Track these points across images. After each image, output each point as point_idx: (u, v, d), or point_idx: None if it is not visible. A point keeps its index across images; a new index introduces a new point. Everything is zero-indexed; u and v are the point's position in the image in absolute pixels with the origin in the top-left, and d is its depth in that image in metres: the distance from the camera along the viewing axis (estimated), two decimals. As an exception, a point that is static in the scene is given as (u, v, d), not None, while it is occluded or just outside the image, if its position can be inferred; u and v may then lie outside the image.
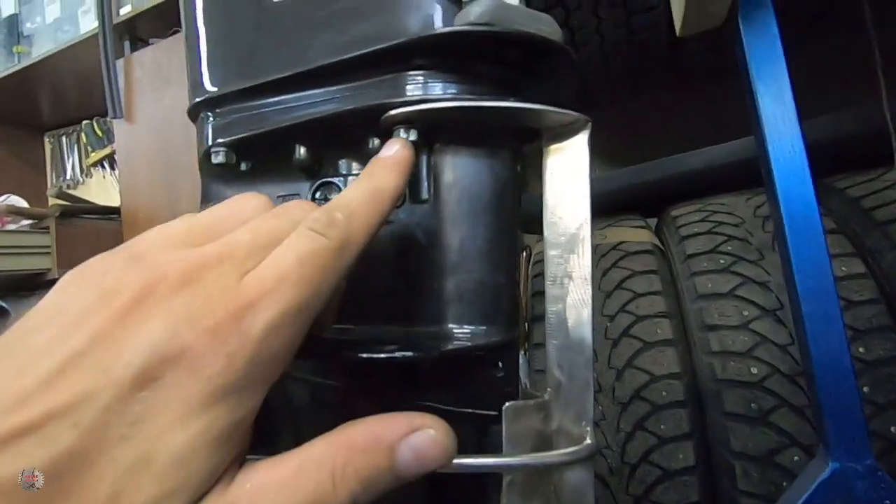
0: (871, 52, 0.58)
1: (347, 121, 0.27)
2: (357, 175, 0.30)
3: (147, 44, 1.69)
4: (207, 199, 0.35)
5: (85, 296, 0.16)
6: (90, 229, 1.66)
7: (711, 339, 0.71)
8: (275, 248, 0.18)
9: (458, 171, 0.27)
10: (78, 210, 1.65)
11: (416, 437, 0.18)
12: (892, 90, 0.61)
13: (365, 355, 0.24)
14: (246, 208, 0.21)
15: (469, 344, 0.26)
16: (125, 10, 1.69)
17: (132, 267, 0.17)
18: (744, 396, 0.67)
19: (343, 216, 0.19)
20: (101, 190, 2.34)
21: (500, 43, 0.24)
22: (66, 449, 0.14)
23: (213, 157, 0.31)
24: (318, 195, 0.30)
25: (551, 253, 0.27)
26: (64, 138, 2.52)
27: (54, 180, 2.56)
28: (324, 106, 0.28)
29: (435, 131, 0.26)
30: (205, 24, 0.32)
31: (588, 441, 0.26)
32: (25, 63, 1.84)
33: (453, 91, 0.25)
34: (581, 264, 0.26)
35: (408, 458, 0.18)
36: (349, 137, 0.28)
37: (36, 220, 1.58)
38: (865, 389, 0.62)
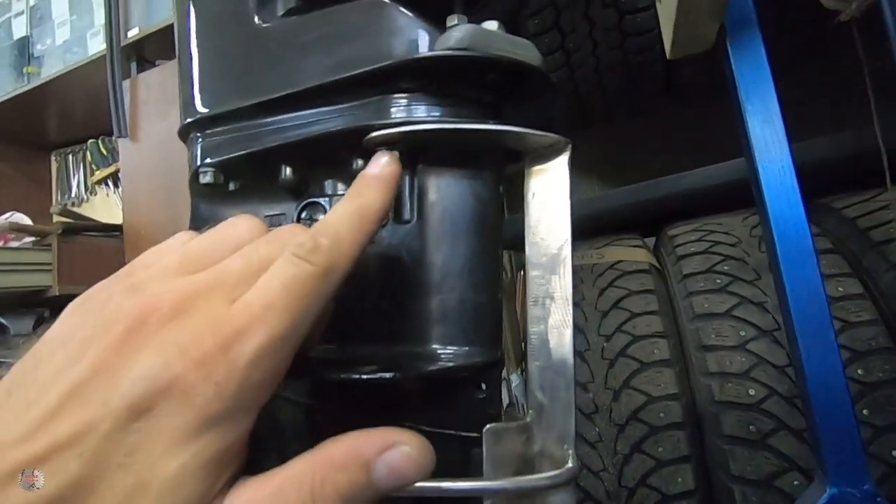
0: (863, 76, 0.59)
1: (332, 142, 0.27)
2: (342, 195, 0.30)
3: (153, 65, 1.72)
4: (196, 219, 0.35)
5: (88, 325, 0.18)
6: (92, 246, 1.67)
7: (709, 359, 0.70)
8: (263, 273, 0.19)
9: (441, 191, 0.27)
10: (80, 227, 1.67)
11: (391, 453, 0.19)
12: (883, 113, 0.61)
13: (344, 376, 0.24)
14: (240, 233, 0.22)
15: (451, 364, 0.26)
16: (133, 33, 1.73)
17: (130, 297, 0.18)
18: (742, 419, 0.66)
19: (328, 241, 0.20)
20: (105, 208, 2.36)
21: (479, 67, 0.24)
22: (71, 478, 0.15)
23: (201, 176, 0.32)
24: (303, 215, 0.31)
25: (533, 273, 0.27)
26: (70, 156, 2.56)
27: (59, 198, 2.59)
28: (310, 127, 0.28)
29: (417, 153, 0.26)
30: (197, 46, 0.33)
31: (570, 464, 0.25)
32: (35, 83, 1.88)
33: (436, 113, 0.25)
34: (562, 285, 0.26)
35: (384, 474, 0.18)
36: (334, 158, 0.29)
37: (38, 238, 1.59)
38: (865, 412, 0.61)
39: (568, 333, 0.26)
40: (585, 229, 1.06)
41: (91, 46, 1.89)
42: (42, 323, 1.62)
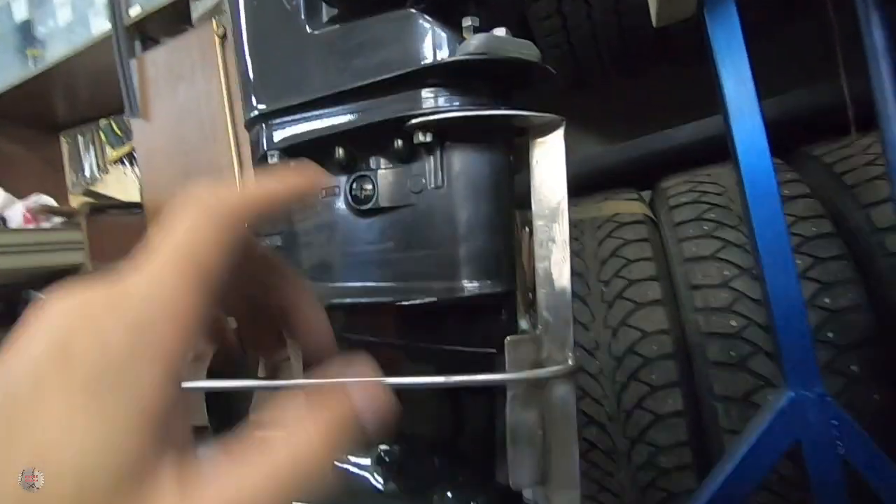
0: (833, 36, 0.64)
1: (377, 128, 0.35)
2: (385, 169, 0.38)
3: (157, 42, 1.75)
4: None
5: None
6: (117, 224, 1.76)
7: (696, 297, 0.79)
8: None
9: (464, 163, 0.35)
10: (105, 206, 1.75)
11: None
12: (850, 70, 0.67)
13: (406, 302, 0.33)
14: None
15: (478, 292, 0.35)
16: (134, 11, 1.76)
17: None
18: (724, 346, 0.75)
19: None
20: (120, 185, 2.43)
21: (493, 67, 0.31)
22: None
23: (269, 158, 0.39)
24: (354, 185, 0.39)
25: (538, 223, 0.35)
26: (80, 137, 2.61)
27: (73, 178, 2.66)
28: (358, 117, 0.36)
29: (445, 133, 0.34)
30: (256, 51, 0.40)
31: (570, 363, 0.34)
32: (41, 67, 1.92)
33: (458, 103, 0.33)
34: (561, 231, 0.34)
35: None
36: (378, 140, 0.36)
37: (66, 218, 1.68)
38: (830, 335, 0.70)
39: (566, 267, 0.34)
40: (585, 185, 1.13)
41: (94, 26, 1.91)
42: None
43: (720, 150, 0.97)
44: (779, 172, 0.82)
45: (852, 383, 0.68)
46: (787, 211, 0.79)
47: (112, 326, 0.14)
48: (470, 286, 0.35)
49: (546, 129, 0.35)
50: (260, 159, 0.41)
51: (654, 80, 1.29)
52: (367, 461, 0.38)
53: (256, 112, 0.40)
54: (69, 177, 2.71)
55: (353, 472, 0.40)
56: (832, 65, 0.86)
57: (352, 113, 0.36)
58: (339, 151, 0.37)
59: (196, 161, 1.68)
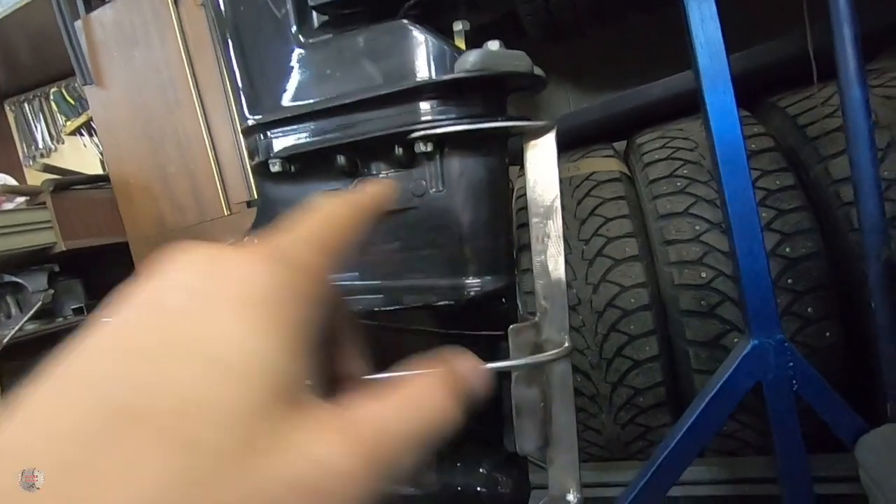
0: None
1: (379, 139, 0.37)
2: (383, 175, 0.40)
3: (102, 2, 1.63)
4: (264, 197, 0.44)
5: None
6: (84, 200, 1.70)
7: (670, 252, 0.85)
8: None
9: (463, 168, 0.37)
10: (69, 182, 1.68)
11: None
12: (815, 21, 0.70)
13: (420, 304, 0.36)
14: None
15: (482, 290, 0.38)
16: (71, -34, 1.62)
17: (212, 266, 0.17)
18: (696, 296, 0.82)
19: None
20: (77, 157, 2.32)
21: (489, 80, 0.33)
22: None
23: (271, 166, 0.41)
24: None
25: (533, 219, 0.38)
26: (26, 105, 2.46)
27: (25, 149, 2.53)
28: (358, 127, 0.37)
29: (444, 143, 0.36)
30: (242, 61, 0.40)
31: (566, 345, 0.38)
32: (-26, 31, 1.77)
33: (456, 115, 0.35)
34: (555, 226, 0.38)
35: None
36: (380, 148, 0.38)
37: (30, 198, 1.62)
38: (789, 281, 0.77)
39: (561, 260, 0.38)
40: (562, 143, 1.15)
41: (26, -15, 1.76)
42: (55, 279, 1.70)
43: (694, 103, 1.00)
44: (745, 126, 0.86)
45: (807, 324, 0.76)
46: (753, 165, 0.84)
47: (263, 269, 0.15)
48: (474, 284, 0.38)
49: (539, 133, 0.37)
50: (260, 166, 0.42)
51: (628, 31, 1.29)
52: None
53: (252, 122, 0.41)
54: (20, 149, 2.56)
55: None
56: (799, 13, 0.88)
57: (352, 124, 0.37)
58: (341, 159, 0.39)
59: (161, 130, 1.61)
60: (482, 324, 0.41)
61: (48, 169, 1.81)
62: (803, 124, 0.86)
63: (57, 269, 1.72)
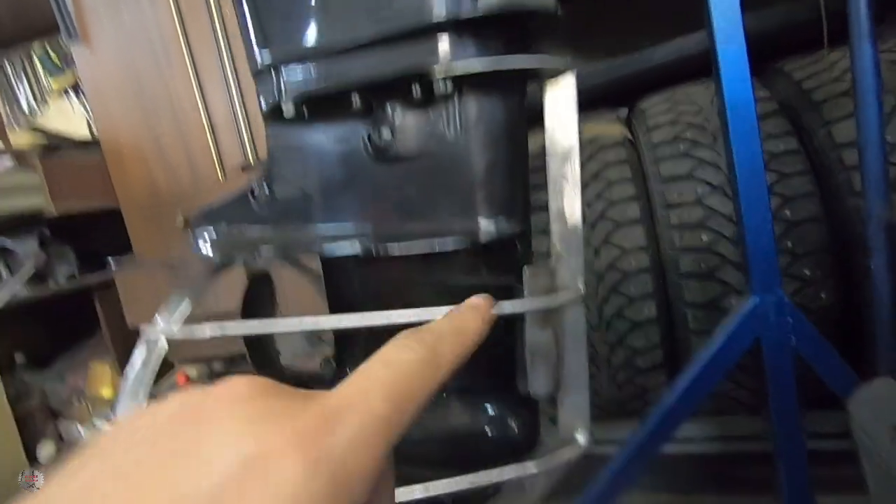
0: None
1: (397, 78, 0.36)
2: (400, 117, 0.39)
3: (87, -47, 1.56)
4: (275, 142, 0.44)
5: (152, 419, 0.15)
6: (74, 164, 1.66)
7: (672, 215, 0.85)
8: None
9: (481, 109, 0.37)
10: (58, 145, 1.64)
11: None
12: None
13: (437, 248, 0.36)
14: None
15: (497, 233, 0.38)
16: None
17: (193, 394, 0.16)
18: (696, 259, 0.83)
19: (431, 337, 0.19)
20: (64, 119, 2.26)
21: (512, 17, 0.32)
22: None
23: (284, 110, 0.40)
24: (373, 133, 0.40)
25: (551, 163, 0.38)
26: (8, 64, 2.37)
27: (8, 110, 2.45)
28: (376, 65, 0.36)
29: (464, 81, 0.36)
30: (253, 3, 0.39)
31: (581, 290, 0.39)
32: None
33: (477, 53, 0.34)
34: (573, 169, 0.37)
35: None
36: (396, 87, 0.37)
37: (16, 160, 1.58)
38: (789, 244, 0.78)
39: (578, 204, 0.38)
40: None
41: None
42: (45, 243, 1.67)
43: (698, 67, 0.99)
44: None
45: (804, 286, 0.77)
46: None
47: (305, 470, 0.14)
48: (489, 227, 0.38)
49: (559, 74, 0.36)
50: (272, 110, 0.41)
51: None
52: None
53: (264, 63, 0.40)
54: (2, 110, 2.49)
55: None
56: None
57: (370, 61, 0.37)
58: (356, 99, 0.38)
59: (152, 92, 1.57)
60: (496, 271, 0.41)
61: (36, 130, 1.76)
62: (808, 89, 0.85)
63: (48, 232, 1.69)
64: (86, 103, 1.96)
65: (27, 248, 1.67)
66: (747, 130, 0.59)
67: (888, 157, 0.63)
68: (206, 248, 0.46)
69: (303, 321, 0.40)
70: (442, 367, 0.18)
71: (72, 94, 1.97)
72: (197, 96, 1.49)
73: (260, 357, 0.45)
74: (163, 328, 0.39)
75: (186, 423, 0.14)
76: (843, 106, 0.80)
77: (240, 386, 0.15)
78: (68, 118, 2.20)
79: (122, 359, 1.78)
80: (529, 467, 0.40)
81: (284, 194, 0.44)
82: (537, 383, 0.39)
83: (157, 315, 0.41)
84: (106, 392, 1.76)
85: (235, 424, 0.14)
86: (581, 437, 0.41)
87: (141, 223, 1.64)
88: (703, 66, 0.97)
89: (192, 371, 1.61)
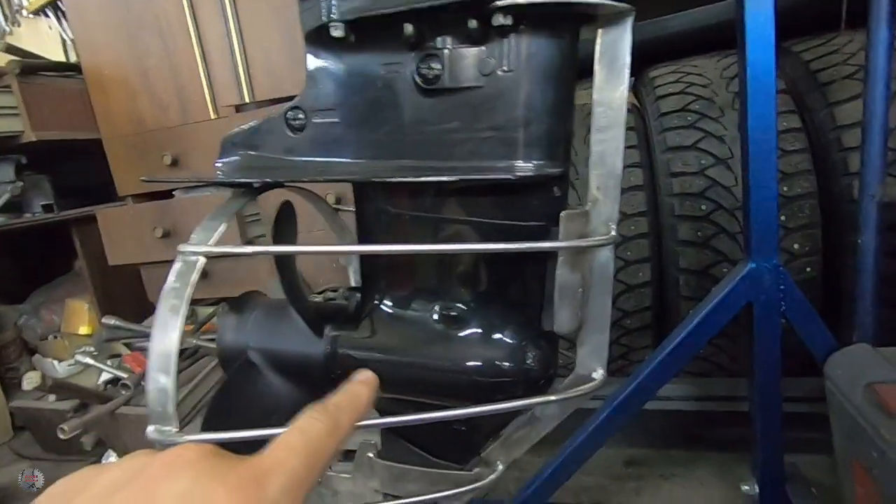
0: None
1: (454, 8, 0.36)
2: (451, 49, 0.39)
3: None
4: (317, 65, 0.43)
5: (110, 475, 0.18)
6: (54, 88, 1.57)
7: (674, 184, 0.88)
8: None
9: (536, 47, 0.37)
10: (37, 67, 1.55)
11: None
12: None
13: (471, 178, 0.37)
14: None
15: (538, 173, 0.39)
16: None
17: (138, 457, 0.19)
18: (693, 227, 0.86)
19: (335, 409, 0.24)
20: (37, 40, 2.12)
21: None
22: None
23: (332, 30, 0.39)
24: (421, 64, 0.40)
25: (598, 109, 0.39)
26: (-25, -23, 2.19)
27: (-25, 30, 2.28)
28: (435, -8, 0.36)
29: (522, 17, 0.36)
30: None
31: (613, 234, 0.41)
32: None
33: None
34: (619, 116, 0.38)
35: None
36: (451, 19, 0.37)
37: (-9, 79, 1.48)
38: (783, 218, 0.82)
39: (620, 152, 0.39)
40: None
41: None
42: (22, 170, 1.60)
43: (711, 40, 0.99)
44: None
45: (792, 258, 0.81)
46: (764, 105, 0.86)
47: None
48: (531, 167, 0.39)
49: (614, 19, 0.37)
50: (317, 31, 0.40)
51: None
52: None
53: (316, -23, 0.39)
54: (-32, 27, 2.31)
55: (408, 318, 0.47)
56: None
57: (428, -13, 0.36)
58: (409, 28, 0.38)
59: (139, 16, 1.48)
60: (533, 212, 0.42)
61: (11, 50, 1.65)
62: (815, 69, 0.88)
63: (24, 160, 1.62)
64: (62, 25, 1.84)
65: (2, 174, 1.60)
66: (765, 99, 0.61)
67: (888, 140, 0.66)
68: (234, 174, 0.46)
69: (335, 247, 0.40)
70: (342, 432, 0.24)
71: (50, 14, 1.85)
72: (188, 21, 1.41)
73: (290, 283, 0.46)
74: (200, 246, 0.39)
75: (137, 485, 0.17)
76: (847, 88, 0.82)
77: (185, 451, 0.19)
78: (42, 41, 2.06)
79: (102, 298, 1.74)
80: (547, 398, 0.42)
81: (320, 121, 0.44)
82: (562, 321, 0.41)
83: (192, 234, 0.41)
84: (83, 330, 1.73)
85: (182, 484, 0.17)
86: (597, 375, 0.43)
87: (123, 155, 1.58)
88: (717, 40, 0.97)
89: (175, 312, 1.59)
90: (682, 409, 0.95)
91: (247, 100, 1.38)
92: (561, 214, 0.39)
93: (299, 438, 0.22)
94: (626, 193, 0.90)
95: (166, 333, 0.37)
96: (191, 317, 1.64)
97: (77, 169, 1.75)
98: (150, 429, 0.38)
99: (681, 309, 0.89)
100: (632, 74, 1.10)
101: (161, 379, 0.37)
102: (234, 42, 1.35)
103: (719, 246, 0.84)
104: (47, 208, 1.66)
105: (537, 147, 0.39)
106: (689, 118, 0.89)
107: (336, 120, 0.44)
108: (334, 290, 0.57)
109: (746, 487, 0.75)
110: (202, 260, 0.39)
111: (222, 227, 0.41)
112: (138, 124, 1.55)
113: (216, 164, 0.47)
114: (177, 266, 0.39)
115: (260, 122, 0.46)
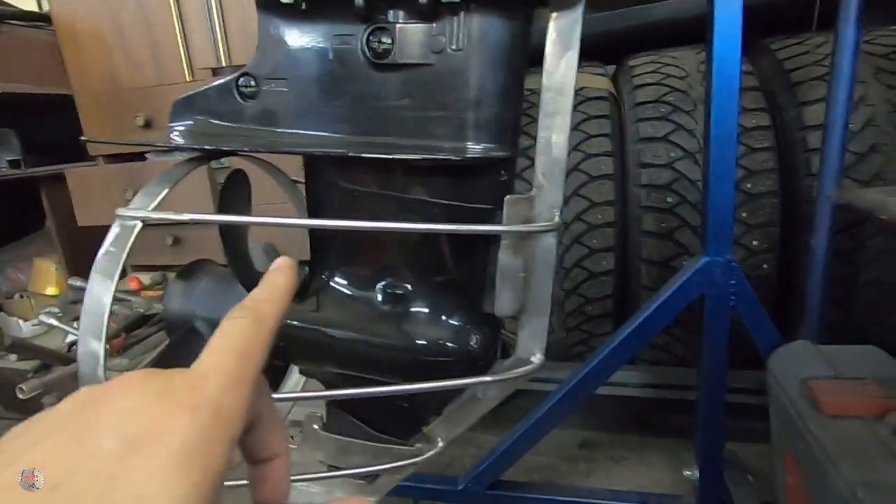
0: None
1: (405, -22, 0.35)
2: (402, 24, 0.38)
3: None
4: (266, 35, 0.42)
5: (55, 412, 0.18)
6: (22, 39, 1.51)
7: (643, 174, 0.88)
8: None
9: (487, 27, 0.36)
10: (3, 15, 1.48)
11: None
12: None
13: (419, 156, 0.37)
14: None
15: (485, 155, 0.39)
16: None
17: (73, 395, 0.19)
18: (658, 219, 0.87)
19: (253, 304, 0.24)
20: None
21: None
22: None
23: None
24: (371, 37, 0.39)
25: (546, 94, 0.39)
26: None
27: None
28: (385, -37, 0.35)
29: (472, -5, 0.35)
30: None
31: (556, 220, 0.41)
32: None
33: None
34: (566, 103, 0.38)
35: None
36: (403, -9, 0.36)
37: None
38: (744, 215, 0.83)
39: (564, 139, 0.39)
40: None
41: None
42: (-13, 123, 1.55)
43: (691, 31, 0.99)
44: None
45: (750, 255, 0.83)
46: (736, 101, 0.86)
47: (189, 415, 0.18)
48: (476, 149, 0.39)
49: (568, 4, 0.36)
50: (269, 2, 0.39)
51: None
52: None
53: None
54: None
55: (353, 295, 0.47)
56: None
57: (379, -42, 0.35)
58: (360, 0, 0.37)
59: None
60: (478, 194, 0.43)
61: (-24, -4, 1.58)
62: (789, 69, 0.88)
63: (-11, 113, 1.56)
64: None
65: (-34, 127, 1.54)
66: (729, 94, 0.61)
67: (847, 143, 0.67)
68: (182, 139, 0.45)
69: (279, 219, 0.40)
70: (268, 324, 0.23)
71: (20, -41, 1.76)
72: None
73: (233, 254, 0.45)
74: (139, 210, 0.39)
75: (82, 414, 0.17)
76: (817, 89, 0.83)
77: (126, 377, 0.19)
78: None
79: (70, 258, 1.71)
80: (486, 378, 0.43)
81: (271, 90, 0.43)
82: (503, 304, 0.42)
83: (134, 198, 0.40)
84: (50, 290, 1.70)
85: (123, 404, 0.18)
86: (536, 358, 0.44)
87: (94, 113, 1.53)
88: (697, 32, 0.97)
89: (146, 278, 1.57)
90: (636, 396, 0.97)
91: (223, 63, 1.34)
92: (505, 198, 0.39)
93: (224, 341, 0.22)
94: (595, 182, 0.90)
95: (98, 297, 0.37)
96: (161, 283, 1.62)
97: (46, 125, 1.69)
98: (81, 392, 0.37)
99: (641, 298, 0.91)
100: (612, 62, 1.09)
101: (91, 342, 0.37)
102: (211, 3, 1.31)
103: (681, 238, 0.86)
104: (14, 164, 1.61)
105: (486, 129, 0.39)
106: (663, 109, 0.90)
107: (286, 90, 0.43)
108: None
109: (688, 473, 0.78)
110: (139, 225, 0.38)
111: (164, 192, 0.40)
112: (112, 82, 1.50)
113: (169, 126, 0.46)
114: (114, 230, 0.39)
115: (211, 85, 0.45)
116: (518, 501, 0.83)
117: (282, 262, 0.28)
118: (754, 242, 0.83)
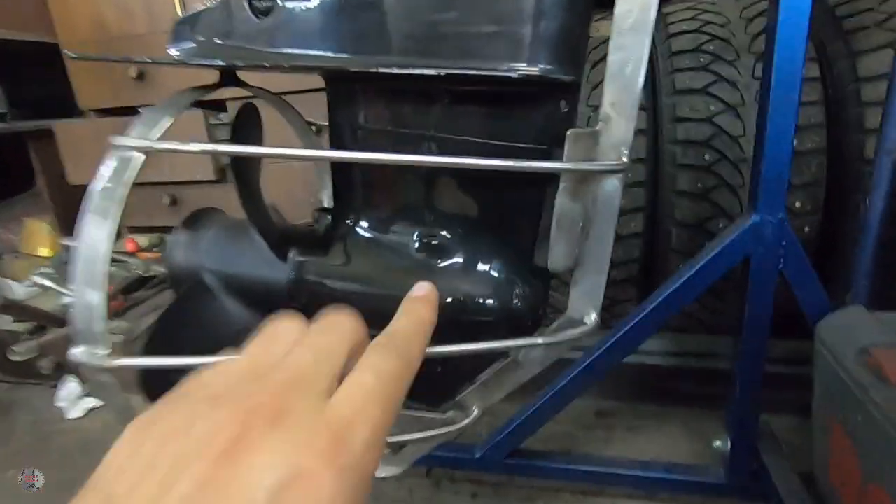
0: None
1: None
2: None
3: None
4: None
5: (176, 448, 0.16)
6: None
7: (679, 130, 0.82)
8: (334, 363, 0.19)
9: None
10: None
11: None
12: None
13: (472, 71, 0.31)
14: (286, 330, 0.22)
15: (543, 76, 0.33)
16: None
17: (219, 409, 0.17)
18: (694, 177, 0.81)
19: (404, 343, 0.21)
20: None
21: None
22: None
23: None
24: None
25: (622, 7, 0.33)
26: None
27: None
28: None
29: None
30: None
31: (624, 160, 0.35)
32: None
33: None
34: (648, 19, 0.32)
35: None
36: None
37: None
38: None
39: (643, 65, 0.33)
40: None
41: None
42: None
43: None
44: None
45: (792, 217, 0.78)
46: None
47: (337, 478, 0.16)
48: (534, 70, 0.33)
49: None
50: None
51: None
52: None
53: None
54: None
55: (385, 244, 0.41)
56: None
57: None
58: None
59: None
60: (532, 133, 0.37)
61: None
62: (841, 16, 0.81)
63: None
64: None
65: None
66: (795, 38, 0.55)
67: (914, 93, 0.61)
68: (186, 58, 0.39)
69: (301, 151, 0.34)
70: (414, 367, 0.21)
71: None
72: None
73: (247, 193, 0.40)
74: (139, 140, 0.33)
75: (222, 454, 0.16)
76: (873, 38, 0.76)
77: (251, 417, 0.17)
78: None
79: (62, 218, 1.64)
80: (536, 340, 0.38)
81: (290, 4, 0.37)
82: (557, 257, 0.37)
83: (131, 127, 0.34)
84: (43, 251, 1.64)
85: (269, 457, 0.16)
86: (590, 320, 0.39)
87: (84, 65, 1.44)
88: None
89: (143, 240, 1.52)
90: (655, 364, 0.94)
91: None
92: (568, 132, 0.34)
93: (375, 381, 0.19)
94: (626, 137, 0.84)
95: (94, 241, 0.31)
96: (159, 245, 1.57)
97: (34, 80, 1.60)
98: (77, 350, 0.33)
99: (669, 263, 0.86)
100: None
101: (88, 293, 0.32)
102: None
103: (718, 199, 0.80)
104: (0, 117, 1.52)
105: (546, 48, 0.33)
106: (702, 59, 0.83)
107: (308, 3, 0.36)
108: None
109: (718, 443, 0.74)
110: (140, 157, 0.33)
111: (166, 121, 0.34)
112: (101, 30, 1.41)
113: (168, 50, 0.40)
114: (110, 163, 0.33)
115: (218, 2, 0.38)
116: (539, 470, 0.80)
117: (422, 290, 0.26)
118: (797, 203, 0.78)
